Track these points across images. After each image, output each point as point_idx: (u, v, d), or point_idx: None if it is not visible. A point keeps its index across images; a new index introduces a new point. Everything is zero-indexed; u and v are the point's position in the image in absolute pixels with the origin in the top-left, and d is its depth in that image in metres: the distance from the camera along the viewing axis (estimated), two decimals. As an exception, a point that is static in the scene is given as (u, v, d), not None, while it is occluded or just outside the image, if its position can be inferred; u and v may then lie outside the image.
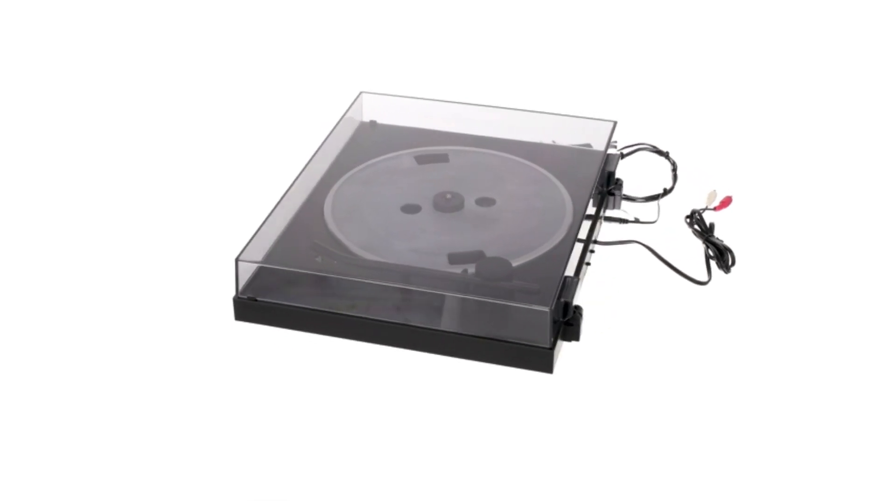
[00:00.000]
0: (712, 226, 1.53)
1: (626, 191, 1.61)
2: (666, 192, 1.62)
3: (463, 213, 1.51)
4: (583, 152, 1.60)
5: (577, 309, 1.34)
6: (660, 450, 1.25)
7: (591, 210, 1.51)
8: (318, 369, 1.35)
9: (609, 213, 1.58)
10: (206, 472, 1.23)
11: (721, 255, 1.49)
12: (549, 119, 1.64)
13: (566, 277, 1.35)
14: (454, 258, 1.41)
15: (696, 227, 1.54)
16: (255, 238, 1.40)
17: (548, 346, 1.30)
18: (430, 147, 1.63)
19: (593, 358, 1.36)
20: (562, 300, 1.32)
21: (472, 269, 1.39)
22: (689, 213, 1.56)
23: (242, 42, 2.00)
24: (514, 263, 1.40)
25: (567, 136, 1.64)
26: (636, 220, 1.56)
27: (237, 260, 1.36)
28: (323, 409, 1.30)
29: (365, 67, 1.93)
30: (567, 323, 1.34)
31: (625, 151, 1.68)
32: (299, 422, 1.28)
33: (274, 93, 1.89)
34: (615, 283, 1.47)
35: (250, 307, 1.38)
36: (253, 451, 1.25)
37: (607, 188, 1.57)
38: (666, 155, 1.67)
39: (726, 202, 1.59)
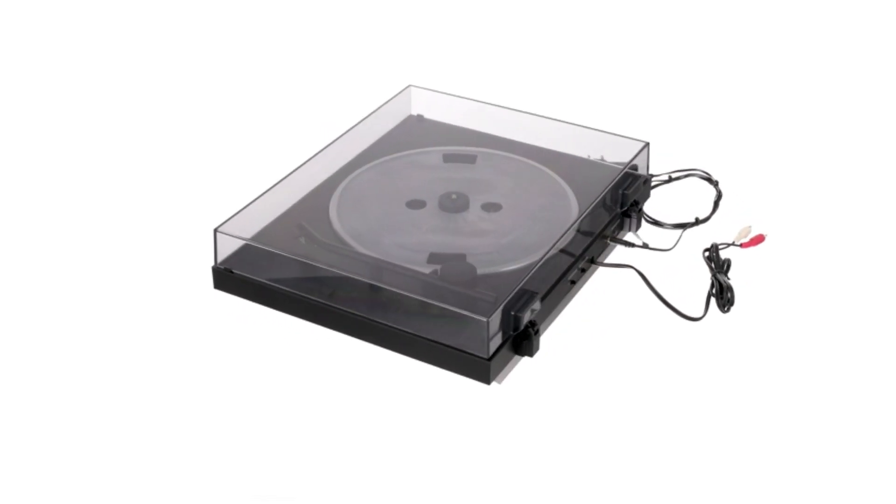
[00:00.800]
0: (727, 262, 1.45)
1: (660, 216, 1.55)
2: (698, 221, 1.55)
3: (465, 215, 1.49)
4: (613, 171, 1.55)
5: (532, 324, 1.31)
6: (578, 473, 1.21)
7: (596, 229, 1.47)
8: (278, 347, 1.37)
9: (620, 235, 1.52)
10: (160, 441, 1.27)
11: (721, 293, 1.41)
12: (586, 133, 1.60)
13: (521, 290, 1.31)
14: (433, 258, 1.40)
15: (710, 261, 1.46)
16: (242, 212, 1.43)
17: (486, 356, 1.27)
18: (461, 146, 1.62)
19: (545, 375, 1.32)
20: (511, 313, 1.29)
21: (440, 270, 1.38)
22: (709, 245, 1.49)
23: (302, 29, 2.05)
24: (491, 271, 1.38)
25: (603, 152, 1.59)
26: (644, 246, 1.50)
27: (216, 231, 1.40)
28: (271, 386, 1.32)
29: (418, 64, 1.94)
30: (521, 337, 1.31)
31: (674, 175, 1.63)
32: (243, 396, 1.31)
33: (327, 82, 1.92)
34: (597, 305, 1.42)
35: (227, 278, 1.41)
36: (195, 422, 1.29)
37: (622, 209, 1.51)
38: (715, 184, 1.60)
39: (757, 240, 1.51)
